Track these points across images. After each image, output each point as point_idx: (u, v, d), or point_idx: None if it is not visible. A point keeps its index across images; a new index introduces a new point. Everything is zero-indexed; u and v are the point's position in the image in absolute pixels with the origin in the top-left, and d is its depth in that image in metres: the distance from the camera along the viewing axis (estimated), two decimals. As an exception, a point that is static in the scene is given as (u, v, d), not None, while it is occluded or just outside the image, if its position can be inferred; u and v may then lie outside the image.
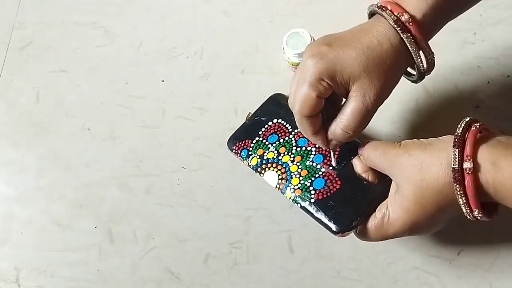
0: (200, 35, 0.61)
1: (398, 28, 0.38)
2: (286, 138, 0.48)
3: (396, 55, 0.39)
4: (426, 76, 0.43)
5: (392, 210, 0.39)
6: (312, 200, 0.44)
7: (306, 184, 0.45)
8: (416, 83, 0.44)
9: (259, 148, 0.48)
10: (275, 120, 0.50)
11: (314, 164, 0.46)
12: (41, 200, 0.55)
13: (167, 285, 0.49)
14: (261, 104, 0.51)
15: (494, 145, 0.35)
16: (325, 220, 0.42)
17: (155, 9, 0.64)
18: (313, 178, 0.45)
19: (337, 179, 0.45)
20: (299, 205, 0.44)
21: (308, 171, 0.46)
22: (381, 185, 0.43)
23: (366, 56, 0.39)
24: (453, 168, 0.35)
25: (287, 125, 0.49)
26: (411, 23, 0.38)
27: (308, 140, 0.47)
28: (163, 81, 0.59)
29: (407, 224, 0.38)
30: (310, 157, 0.47)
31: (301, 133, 0.44)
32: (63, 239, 0.53)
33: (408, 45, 0.39)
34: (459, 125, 0.37)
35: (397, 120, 0.52)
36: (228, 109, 0.56)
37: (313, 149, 0.47)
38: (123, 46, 0.62)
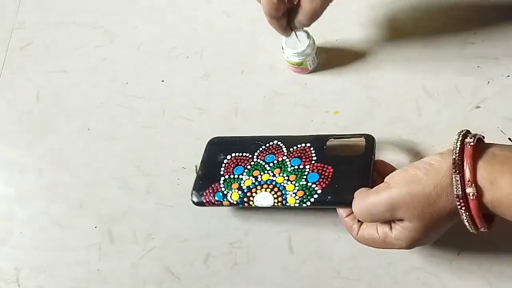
0: (200, 35, 0.61)
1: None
2: (252, 163, 0.49)
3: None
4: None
5: (396, 238, 0.39)
6: (319, 191, 0.44)
7: (302, 184, 0.45)
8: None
9: (232, 183, 0.48)
10: (229, 156, 0.50)
11: (296, 166, 0.47)
12: (41, 200, 0.55)
13: (167, 285, 0.49)
14: (203, 153, 0.51)
15: (491, 161, 0.35)
16: (344, 200, 0.43)
17: (155, 9, 0.64)
18: (305, 177, 0.46)
19: (326, 165, 0.46)
20: (308, 203, 0.44)
21: (295, 175, 0.46)
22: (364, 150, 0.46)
23: None
24: (457, 194, 0.35)
25: (244, 154, 0.49)
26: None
27: (275, 155, 0.48)
28: (163, 81, 0.59)
29: (410, 246, 0.40)
30: (286, 164, 0.47)
31: (264, 152, 0.49)
32: (63, 239, 0.53)
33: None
34: (454, 144, 0.36)
35: (397, 120, 0.52)
36: (228, 109, 0.56)
37: (284, 158, 0.48)
38: (123, 46, 0.62)
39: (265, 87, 0.57)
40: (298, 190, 0.45)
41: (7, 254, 0.53)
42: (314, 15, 0.49)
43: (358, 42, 0.57)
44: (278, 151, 0.49)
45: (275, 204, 0.46)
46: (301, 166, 0.47)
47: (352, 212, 0.43)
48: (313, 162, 0.47)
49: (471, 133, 0.38)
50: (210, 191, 0.48)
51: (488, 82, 0.52)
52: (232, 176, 0.48)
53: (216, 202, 0.47)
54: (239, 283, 0.48)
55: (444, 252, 0.46)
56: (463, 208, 0.35)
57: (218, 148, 0.51)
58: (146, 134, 0.57)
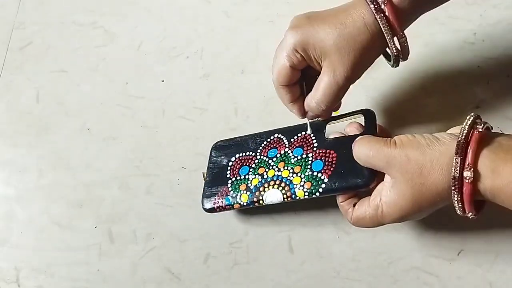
0: (200, 35, 0.61)
1: (373, 7, 0.39)
2: (256, 161, 0.48)
3: (369, 35, 0.40)
4: (402, 62, 0.44)
5: (386, 205, 0.39)
6: (326, 180, 0.44)
7: (308, 174, 0.45)
8: (393, 67, 0.44)
9: (239, 185, 0.48)
10: (233, 158, 0.50)
11: (299, 157, 0.47)
12: (41, 200, 0.55)
13: (167, 285, 0.49)
14: (208, 159, 0.51)
15: (495, 150, 0.35)
16: (351, 184, 0.43)
17: (155, 9, 0.64)
18: (309, 166, 0.45)
19: (328, 150, 0.45)
20: (317, 193, 0.44)
21: (299, 166, 0.46)
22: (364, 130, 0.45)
23: (338, 32, 0.40)
24: (453, 176, 0.35)
25: (248, 153, 0.49)
26: (386, 4, 0.39)
27: (277, 149, 0.48)
28: (163, 81, 0.59)
29: (400, 217, 0.39)
30: (289, 156, 0.47)
31: (266, 147, 0.48)
32: (63, 239, 0.53)
33: (381, 25, 0.39)
34: (462, 127, 0.36)
35: (397, 120, 0.52)
36: (228, 109, 0.56)
37: (286, 150, 0.48)
38: (123, 46, 0.62)
39: (265, 87, 0.57)
40: (305, 182, 0.45)
41: (7, 254, 0.53)
42: (333, 93, 0.42)
43: (358, 42, 0.57)
44: (280, 144, 0.49)
45: (285, 199, 0.45)
46: (304, 155, 0.46)
47: (349, 198, 0.43)
48: (315, 149, 0.46)
49: (481, 119, 0.37)
50: (219, 196, 0.48)
51: (488, 82, 0.52)
52: (238, 178, 0.48)
53: (227, 207, 0.47)
54: (239, 283, 0.48)
55: (444, 252, 0.46)
56: (456, 190, 0.35)
57: (221, 152, 0.51)
58: (146, 134, 0.57)
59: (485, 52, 0.54)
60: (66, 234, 0.53)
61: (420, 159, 0.37)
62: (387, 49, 0.43)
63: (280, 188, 0.46)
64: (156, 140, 0.56)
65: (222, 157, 0.51)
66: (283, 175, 0.46)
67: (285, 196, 0.45)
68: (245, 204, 0.46)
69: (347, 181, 0.43)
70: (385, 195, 0.39)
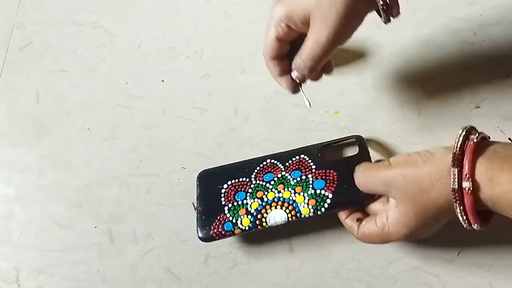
0: (200, 35, 0.61)
1: None
2: (252, 186, 0.47)
3: None
4: (392, 19, 0.42)
5: (391, 224, 0.40)
6: (330, 196, 0.44)
7: (311, 193, 0.45)
8: (385, 23, 0.42)
9: (239, 210, 0.46)
10: (225, 185, 0.48)
11: (298, 178, 0.47)
12: (41, 200, 0.55)
13: (167, 285, 0.49)
14: (196, 188, 0.49)
15: (491, 158, 0.35)
16: (356, 197, 0.44)
17: (155, 9, 0.64)
18: (311, 185, 0.46)
19: (327, 170, 0.46)
20: (323, 209, 0.44)
21: (300, 186, 0.46)
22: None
23: None
24: (453, 188, 0.35)
25: (241, 179, 0.48)
26: None
27: (273, 173, 0.48)
28: (163, 81, 0.59)
29: (406, 235, 0.40)
30: (287, 178, 0.47)
31: (260, 172, 0.48)
32: (63, 239, 0.53)
33: None
34: (457, 139, 0.36)
35: (397, 120, 0.52)
36: (228, 109, 0.56)
37: (283, 173, 0.48)
38: (123, 46, 0.62)
39: (265, 87, 0.57)
40: (309, 199, 0.45)
41: (7, 254, 0.53)
42: (319, 49, 0.41)
43: (358, 42, 0.57)
44: (275, 168, 0.48)
45: (289, 219, 0.45)
46: (303, 177, 0.47)
47: (351, 213, 0.44)
48: (313, 170, 0.47)
49: (476, 130, 0.38)
50: (218, 223, 0.46)
51: (488, 82, 0.52)
52: (236, 203, 0.47)
53: (226, 233, 0.46)
54: (239, 283, 0.48)
55: (444, 252, 0.46)
56: (458, 202, 0.35)
57: (211, 180, 0.49)
58: (146, 134, 0.57)
59: (485, 52, 0.54)
60: (66, 234, 0.53)
61: (418, 176, 0.37)
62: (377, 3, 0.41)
63: (284, 208, 0.45)
64: (156, 140, 0.56)
65: (212, 184, 0.49)
66: (285, 196, 0.46)
67: (289, 215, 0.45)
68: (247, 228, 0.45)
69: (352, 195, 0.44)
70: (391, 215, 0.40)
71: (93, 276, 0.51)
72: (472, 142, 0.36)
